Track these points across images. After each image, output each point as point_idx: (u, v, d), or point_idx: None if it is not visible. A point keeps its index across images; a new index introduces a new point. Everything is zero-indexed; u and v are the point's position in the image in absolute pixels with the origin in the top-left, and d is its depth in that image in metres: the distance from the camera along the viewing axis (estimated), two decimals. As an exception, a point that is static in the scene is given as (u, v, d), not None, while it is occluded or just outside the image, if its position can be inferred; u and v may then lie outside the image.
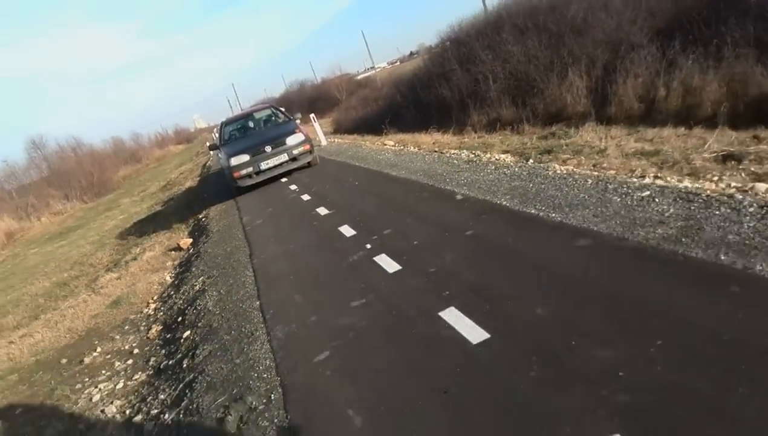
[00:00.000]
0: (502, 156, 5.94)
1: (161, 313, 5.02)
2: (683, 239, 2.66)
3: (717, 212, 2.86)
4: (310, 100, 31.37)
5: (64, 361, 4.85)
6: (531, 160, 5.44)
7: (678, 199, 3.19)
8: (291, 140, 8.91)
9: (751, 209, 2.79)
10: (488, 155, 6.19)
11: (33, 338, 6.00)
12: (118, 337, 4.87)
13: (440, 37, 13.57)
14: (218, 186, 11.34)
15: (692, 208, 3.01)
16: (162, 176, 27.18)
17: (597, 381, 1.85)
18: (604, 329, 2.14)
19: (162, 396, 3.27)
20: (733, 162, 4.08)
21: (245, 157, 8.81)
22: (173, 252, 7.33)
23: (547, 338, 2.21)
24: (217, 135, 12.00)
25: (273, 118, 10.93)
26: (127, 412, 3.33)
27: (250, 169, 8.79)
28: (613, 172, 4.30)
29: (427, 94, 12.16)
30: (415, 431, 1.93)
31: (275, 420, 2.37)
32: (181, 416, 2.83)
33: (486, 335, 2.38)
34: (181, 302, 4.89)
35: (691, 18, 8.22)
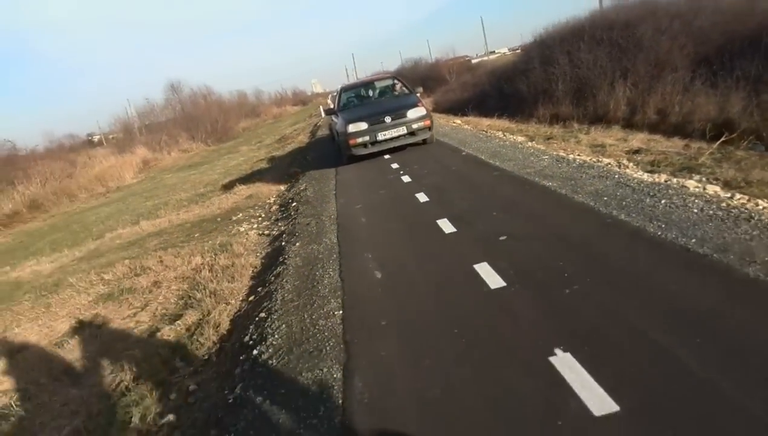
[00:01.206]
0: (520, 138, 8.99)
1: (278, 201, 8.78)
2: (555, 180, 5.69)
3: (587, 172, 5.73)
4: (422, 78, 34.59)
5: (219, 219, 8.74)
6: (534, 142, 8.46)
7: (576, 165, 6.11)
8: (412, 114, 9.02)
9: (598, 171, 5.69)
10: (513, 137, 9.25)
11: (194, 212, 10.09)
12: (251, 210, 8.69)
13: (533, 36, 16.26)
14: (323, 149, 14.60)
15: (574, 169, 5.93)
16: (278, 132, 32.07)
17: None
18: (493, 206, 5.32)
19: (278, 227, 6.91)
20: (637, 154, 6.92)
21: (363, 126, 8.96)
22: (287, 177, 11.16)
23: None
24: (333, 100, 14.82)
25: (395, 88, 11.28)
26: (258, 234, 7.01)
27: (367, 138, 8.93)
28: (563, 153, 7.27)
29: (509, 86, 15.07)
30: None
31: (333, 222, 5.84)
32: (289, 226, 6.43)
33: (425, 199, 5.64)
34: (290, 195, 8.60)
35: (727, 50, 10.53)
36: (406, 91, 10.77)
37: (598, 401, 2.00)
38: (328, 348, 2.94)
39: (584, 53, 13.30)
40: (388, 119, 8.97)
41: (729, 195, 4.07)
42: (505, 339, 2.56)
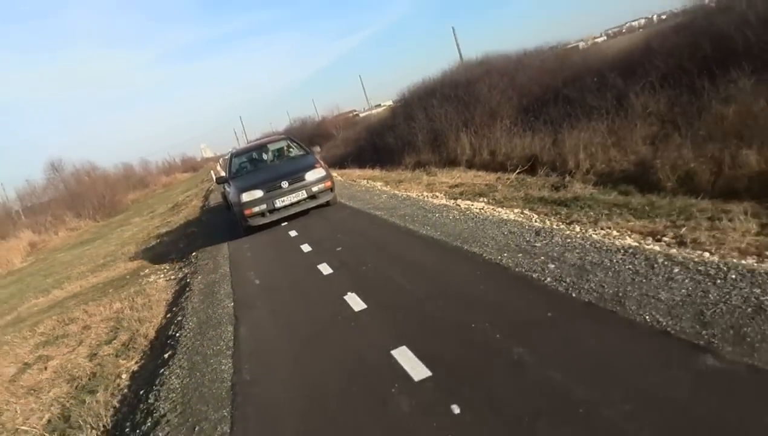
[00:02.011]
0: (378, 184, 11.55)
1: (180, 256, 10.64)
2: (383, 210, 8.13)
3: (405, 203, 8.23)
4: (310, 136, 37.42)
5: (128, 277, 10.42)
6: (387, 186, 11.03)
7: (401, 199, 8.58)
8: (310, 176, 8.89)
9: (414, 202, 8.23)
10: (374, 183, 11.80)
11: (103, 275, 11.60)
12: (156, 266, 10.47)
13: (399, 94, 19.40)
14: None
15: (399, 202, 8.42)
16: (169, 200, 33.21)
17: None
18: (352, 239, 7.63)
19: (182, 271, 8.79)
20: (455, 188, 9.60)
21: (258, 193, 8.73)
22: (185, 237, 12.98)
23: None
24: (222, 166, 14.71)
25: (289, 150, 11.15)
26: (166, 280, 8.83)
27: (264, 206, 8.70)
28: (402, 192, 9.84)
29: (380, 140, 17.94)
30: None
31: (225, 260, 7.88)
32: (191, 269, 8.37)
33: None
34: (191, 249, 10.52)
35: (542, 100, 13.82)
36: (302, 152, 10.67)
37: (359, 307, 4.28)
38: (224, 320, 5.04)
39: (437, 108, 16.43)
40: (285, 184, 8.75)
41: (482, 207, 6.67)
42: (324, 292, 4.82)
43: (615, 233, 4.64)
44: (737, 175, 7.25)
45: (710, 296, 2.95)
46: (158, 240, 14.77)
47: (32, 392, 6.07)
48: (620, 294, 3.21)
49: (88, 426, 4.46)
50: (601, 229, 4.86)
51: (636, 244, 4.19)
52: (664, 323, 2.80)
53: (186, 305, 6.03)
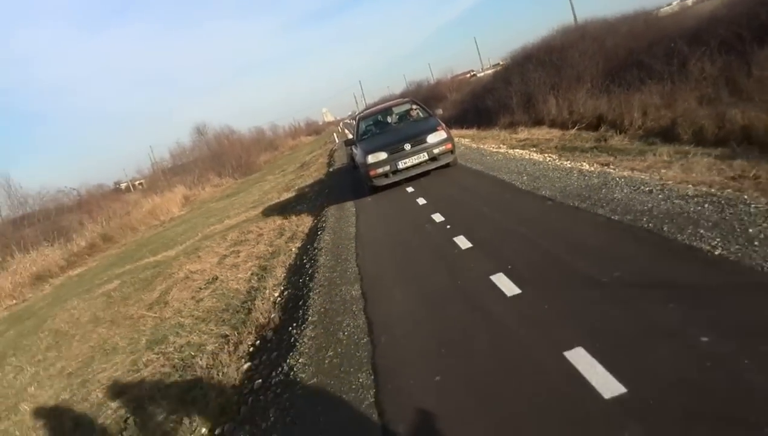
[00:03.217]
0: (465, 140, 14.97)
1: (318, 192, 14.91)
2: (468, 160, 11.62)
3: (480, 153, 11.63)
4: (425, 99, 41.05)
5: (278, 208, 14.86)
6: (471, 142, 14.44)
7: (477, 150, 11.97)
8: (432, 138, 9.57)
9: (482, 153, 11.63)
10: (464, 140, 15.22)
11: (260, 209, 16.22)
12: (301, 199, 14.83)
13: (495, 62, 22.33)
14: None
15: (474, 151, 11.84)
16: (297, 161, 38.53)
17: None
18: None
19: (321, 201, 12.97)
20: (523, 142, 12.86)
21: (383, 155, 9.55)
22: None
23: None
24: (342, 129, 19.51)
25: (412, 113, 12.02)
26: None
27: (387, 167, 9.52)
28: (482, 145, 13.23)
29: (481, 103, 21.14)
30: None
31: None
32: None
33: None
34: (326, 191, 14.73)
35: (624, 64, 16.33)
36: (424, 115, 11.55)
37: (422, 201, 7.93)
38: (351, 220, 8.97)
39: (532, 72, 19.27)
40: (408, 146, 9.50)
41: (523, 153, 10.00)
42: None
43: (585, 164, 7.82)
44: (730, 129, 9.91)
45: (588, 183, 6.25)
46: (294, 191, 19.22)
47: (234, 266, 10.46)
48: (586, 197, 6.21)
49: (274, 281, 8.54)
50: (579, 162, 8.04)
51: (585, 167, 7.41)
52: (553, 195, 6.18)
53: (327, 213, 10.06)
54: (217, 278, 10.06)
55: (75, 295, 14.82)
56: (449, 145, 9.72)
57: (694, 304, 3.01)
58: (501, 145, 12.24)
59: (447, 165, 10.04)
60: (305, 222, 11.11)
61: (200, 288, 10.02)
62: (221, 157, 44.07)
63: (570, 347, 2.93)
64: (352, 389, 3.45)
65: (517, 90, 19.29)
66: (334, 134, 44.97)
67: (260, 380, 4.53)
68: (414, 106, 12.29)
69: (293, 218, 12.03)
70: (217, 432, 4.18)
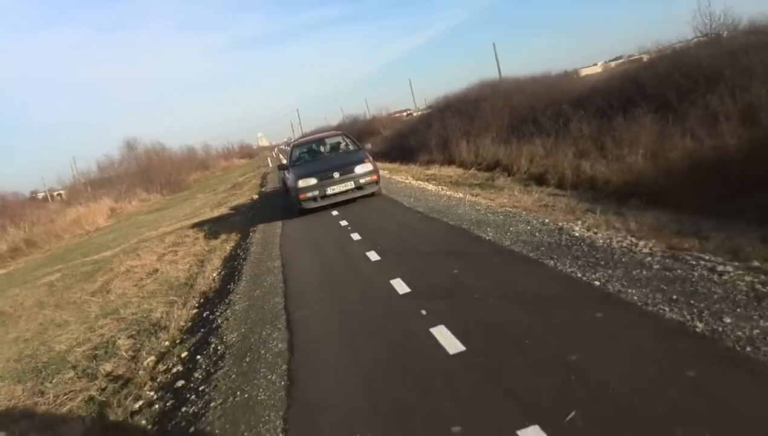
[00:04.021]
0: (385, 172, 17.85)
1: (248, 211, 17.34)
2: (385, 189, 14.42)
3: (397, 185, 14.49)
4: (361, 132, 44.07)
5: (215, 218, 17.18)
6: (389, 174, 17.33)
7: (393, 181, 14.81)
8: (359, 169, 10.84)
9: (398, 184, 14.49)
10: (385, 172, 18.10)
11: (192, 221, 18.43)
12: (232, 213, 17.20)
13: (427, 104, 25.63)
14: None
15: (391, 182, 14.68)
16: (228, 181, 40.52)
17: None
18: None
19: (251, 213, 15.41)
20: (431, 177, 15.84)
21: (313, 181, 10.74)
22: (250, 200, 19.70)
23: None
24: (278, 154, 21.93)
25: (343, 145, 13.44)
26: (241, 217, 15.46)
27: (316, 192, 10.69)
28: (395, 176, 16.13)
29: (405, 142, 24.25)
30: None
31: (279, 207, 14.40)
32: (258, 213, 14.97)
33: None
34: (257, 207, 17.19)
35: (526, 119, 19.69)
36: (354, 147, 12.94)
37: (352, 232, 10.58)
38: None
39: (450, 119, 22.55)
40: (336, 175, 10.71)
41: (423, 184, 12.92)
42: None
43: (459, 194, 10.73)
44: (583, 178, 13.10)
45: (449, 204, 9.10)
46: (227, 208, 21.46)
47: (173, 262, 12.71)
48: (443, 212, 9.05)
49: (212, 267, 10.90)
50: (456, 192, 10.96)
51: (457, 195, 10.32)
52: (423, 211, 8.99)
53: (258, 223, 12.55)
54: (157, 270, 12.23)
55: (13, 286, 16.44)
56: (375, 177, 11.03)
57: (462, 260, 5.82)
58: (408, 178, 15.16)
59: (372, 194, 11.30)
60: (239, 228, 13.52)
61: (141, 278, 12.12)
62: (150, 172, 45.45)
63: (393, 278, 5.63)
64: (273, 303, 6.05)
65: (436, 133, 22.49)
66: (268, 159, 47.38)
67: (207, 313, 6.99)
68: (345, 139, 13.81)
69: (227, 226, 14.41)
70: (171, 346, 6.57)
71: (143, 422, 4.51)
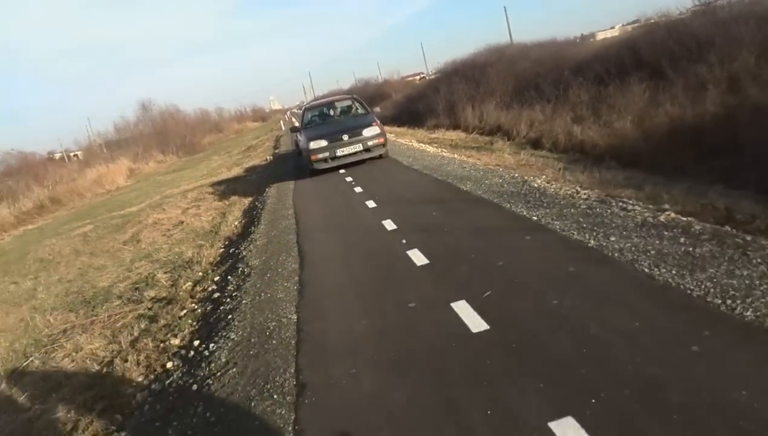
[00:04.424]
0: (391, 136, 19.21)
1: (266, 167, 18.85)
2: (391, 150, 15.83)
3: (400, 147, 15.86)
4: (371, 96, 45.17)
5: (230, 180, 18.71)
6: (395, 137, 18.69)
7: (397, 144, 16.19)
8: (367, 132, 11.60)
9: (401, 146, 15.89)
10: (392, 136, 19.45)
11: (211, 180, 19.99)
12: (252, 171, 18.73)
13: (436, 69, 26.77)
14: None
15: (395, 145, 16.06)
16: (242, 144, 41.97)
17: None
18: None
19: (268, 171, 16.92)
20: (434, 141, 17.19)
21: (323, 143, 11.54)
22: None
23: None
24: (290, 117, 23.39)
25: (353, 108, 14.30)
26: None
27: (327, 154, 11.51)
28: (401, 139, 17.49)
29: (413, 106, 25.49)
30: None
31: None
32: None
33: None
34: (271, 167, 18.68)
35: (529, 85, 20.88)
36: (363, 111, 13.81)
37: (358, 189, 12.03)
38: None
39: (456, 84, 23.71)
40: (345, 137, 11.49)
41: (425, 147, 14.30)
42: (346, 194, 12.61)
43: (456, 155, 12.10)
44: (575, 142, 14.37)
45: (441, 163, 10.51)
46: (242, 169, 22.95)
47: (196, 215, 14.26)
48: (441, 171, 10.41)
49: (233, 217, 12.40)
50: (453, 154, 12.32)
51: (452, 156, 11.69)
52: (418, 168, 10.41)
53: (272, 182, 14.03)
54: (183, 222, 13.76)
55: (47, 237, 18.17)
56: (382, 140, 11.81)
57: (441, 205, 7.28)
58: (413, 141, 16.52)
59: (380, 156, 12.15)
60: (255, 186, 15.03)
61: (169, 229, 13.67)
62: (165, 134, 46.96)
63: (384, 219, 7.11)
64: (287, 239, 7.58)
65: (444, 98, 23.69)
66: (281, 122, 48.76)
67: (233, 249, 8.52)
68: (355, 103, 14.57)
69: (244, 184, 15.93)
70: (204, 275, 8.10)
71: (189, 320, 6.05)
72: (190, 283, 7.90)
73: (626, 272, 4.06)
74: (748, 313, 3.15)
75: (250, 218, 10.70)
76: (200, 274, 8.24)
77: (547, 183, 7.47)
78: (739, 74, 11.46)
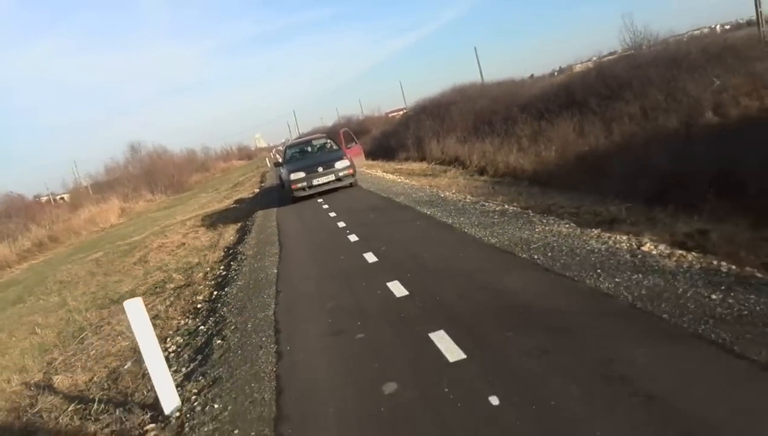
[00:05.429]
0: (363, 167, 22.98)
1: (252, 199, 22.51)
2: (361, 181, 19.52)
3: (368, 177, 19.58)
4: (353, 133, 48.97)
5: (222, 210, 22.34)
6: (367, 169, 22.45)
7: (367, 174, 19.93)
8: (338, 165, 14.69)
9: (369, 176, 19.61)
10: (364, 168, 23.22)
11: (202, 212, 23.60)
12: (238, 204, 22.39)
13: (407, 107, 30.74)
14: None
15: (366, 175, 19.78)
16: (229, 181, 45.68)
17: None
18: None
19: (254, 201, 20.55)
20: (397, 170, 20.96)
21: (302, 174, 14.54)
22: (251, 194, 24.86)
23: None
24: (275, 154, 26.91)
25: (326, 145, 17.48)
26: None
27: (305, 183, 14.45)
28: (371, 171, 21.24)
29: (386, 142, 29.37)
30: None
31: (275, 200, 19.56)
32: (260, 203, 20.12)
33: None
34: (258, 198, 22.36)
35: (482, 121, 24.76)
36: (335, 147, 17.18)
37: (333, 213, 15.69)
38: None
39: (424, 121, 27.62)
40: (320, 169, 14.51)
41: (387, 175, 18.04)
42: (315, 210, 16.26)
43: (410, 181, 15.77)
44: (510, 169, 18.07)
45: (392, 187, 14.20)
46: (232, 202, 26.54)
47: (196, 238, 17.84)
48: (390, 192, 14.14)
49: (228, 235, 15.92)
50: (408, 180, 16.01)
51: (406, 181, 15.39)
52: (376, 191, 14.08)
53: (258, 210, 17.67)
54: (185, 244, 17.29)
55: (61, 265, 21.60)
56: (351, 171, 14.89)
57: (378, 211, 11.06)
58: (378, 171, 20.26)
59: (350, 185, 15.18)
60: (244, 212, 18.64)
61: (173, 250, 17.16)
62: (154, 174, 50.60)
63: (339, 222, 10.87)
64: (272, 238, 11.28)
65: (413, 133, 27.55)
66: (267, 159, 52.56)
67: (231, 251, 12.10)
68: (329, 141, 18.24)
69: (236, 212, 19.56)
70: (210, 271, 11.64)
71: (206, 289, 9.60)
72: (201, 274, 11.45)
73: (457, 232, 7.86)
74: (494, 240, 6.83)
75: (243, 232, 14.33)
76: (208, 269, 11.80)
77: (452, 194, 11.21)
78: (650, 107, 15.04)
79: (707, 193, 8.21)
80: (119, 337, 8.77)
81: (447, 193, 11.39)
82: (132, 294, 12.40)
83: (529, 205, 9.29)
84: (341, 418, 3.67)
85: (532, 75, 37.60)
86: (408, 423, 3.39)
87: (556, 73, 45.03)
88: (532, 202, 9.79)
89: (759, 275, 4.38)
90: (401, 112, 60.69)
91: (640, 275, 4.74)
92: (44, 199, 68.39)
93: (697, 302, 4.03)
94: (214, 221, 19.51)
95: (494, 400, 3.35)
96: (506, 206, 9.00)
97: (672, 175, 9.63)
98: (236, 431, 3.84)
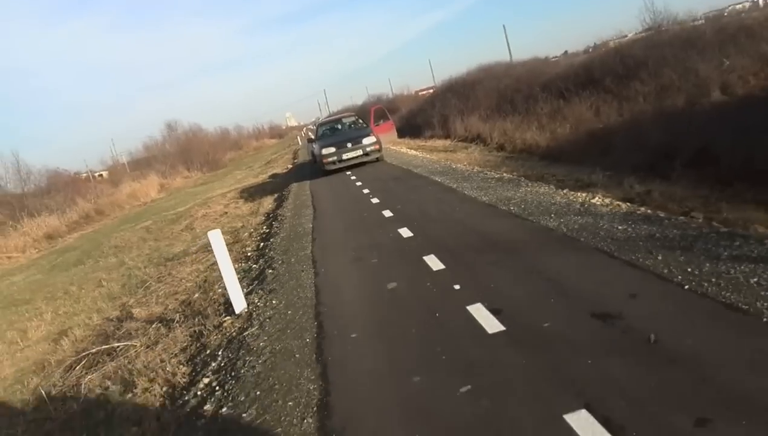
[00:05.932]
0: (392, 146, 24.89)
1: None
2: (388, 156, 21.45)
3: (394, 153, 21.48)
4: (382, 111, 50.45)
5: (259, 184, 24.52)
6: (394, 146, 24.36)
7: (392, 151, 21.84)
8: (366, 141, 16.40)
9: (394, 152, 21.52)
10: (390, 145, 25.13)
11: (241, 185, 25.82)
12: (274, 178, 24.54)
13: (436, 85, 32.44)
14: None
15: (391, 152, 21.68)
16: (262, 159, 47.93)
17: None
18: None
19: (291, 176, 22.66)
20: (422, 147, 22.82)
21: (332, 149, 16.35)
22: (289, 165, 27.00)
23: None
24: (310, 132, 28.90)
25: (355, 123, 19.74)
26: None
27: (335, 157, 16.28)
28: (398, 148, 23.14)
29: (412, 120, 31.17)
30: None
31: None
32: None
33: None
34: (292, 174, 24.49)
35: (505, 100, 26.44)
36: (364, 125, 19.43)
37: (359, 182, 17.68)
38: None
39: (450, 100, 29.33)
40: (349, 145, 16.33)
41: (409, 151, 19.95)
42: (344, 181, 18.29)
43: (432, 156, 17.62)
44: (526, 145, 19.80)
45: (415, 161, 16.11)
46: (267, 177, 28.66)
47: (237, 208, 20.02)
48: (410, 165, 16.08)
49: (267, 203, 18.02)
50: (430, 155, 17.87)
51: (427, 156, 17.28)
52: (398, 164, 16.02)
53: (292, 182, 19.76)
54: (227, 213, 19.47)
55: (112, 233, 24.01)
56: (377, 146, 16.69)
57: (398, 180, 13.06)
58: (404, 148, 22.12)
59: (377, 159, 16.99)
60: (280, 186, 20.73)
61: (216, 218, 19.32)
62: (189, 152, 53.12)
63: (364, 189, 12.94)
64: (306, 202, 13.46)
65: (438, 112, 29.28)
66: (298, 137, 54.75)
67: (272, 214, 14.21)
68: (357, 118, 20.58)
69: (271, 186, 21.69)
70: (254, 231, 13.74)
71: (254, 242, 11.68)
72: (246, 233, 13.57)
73: (458, 194, 9.82)
74: (485, 199, 8.75)
75: (280, 200, 16.43)
76: (252, 230, 13.91)
77: (463, 166, 13.07)
78: (665, 86, 16.41)
79: (676, 164, 9.98)
80: (183, 280, 10.90)
81: (458, 166, 13.27)
82: (184, 254, 14.47)
83: (526, 174, 11.12)
84: (359, 300, 5.82)
85: (566, 51, 38.78)
86: (402, 301, 5.49)
87: (590, 50, 45.88)
88: (530, 172, 11.60)
89: (661, 214, 6.25)
90: (430, 91, 62.26)
91: (579, 217, 6.66)
92: (84, 175, 71.71)
93: (607, 230, 5.95)
94: (252, 193, 21.62)
95: (457, 286, 5.34)
96: (504, 175, 10.88)
97: (660, 149, 11.29)
98: (289, 311, 5.99)
